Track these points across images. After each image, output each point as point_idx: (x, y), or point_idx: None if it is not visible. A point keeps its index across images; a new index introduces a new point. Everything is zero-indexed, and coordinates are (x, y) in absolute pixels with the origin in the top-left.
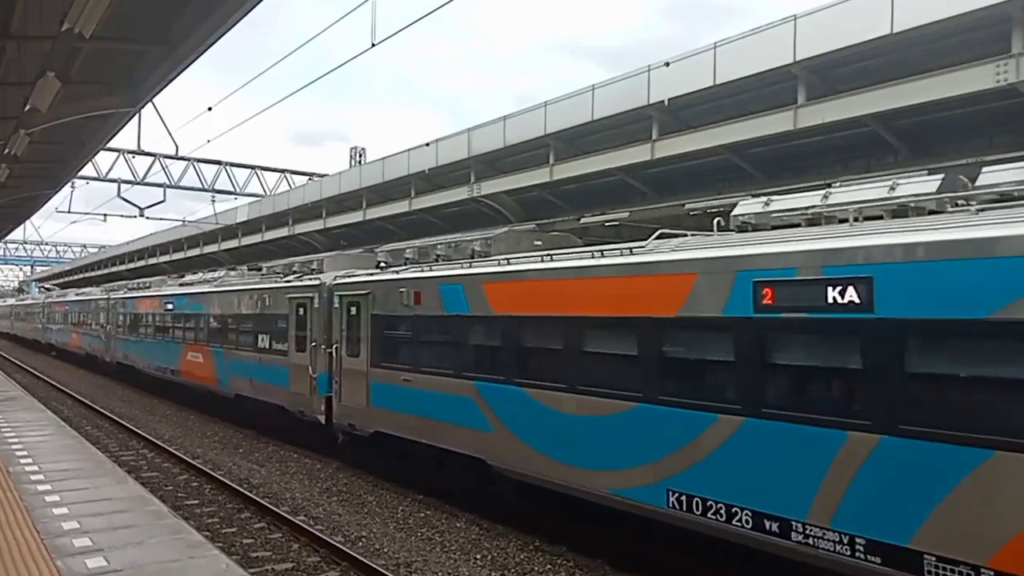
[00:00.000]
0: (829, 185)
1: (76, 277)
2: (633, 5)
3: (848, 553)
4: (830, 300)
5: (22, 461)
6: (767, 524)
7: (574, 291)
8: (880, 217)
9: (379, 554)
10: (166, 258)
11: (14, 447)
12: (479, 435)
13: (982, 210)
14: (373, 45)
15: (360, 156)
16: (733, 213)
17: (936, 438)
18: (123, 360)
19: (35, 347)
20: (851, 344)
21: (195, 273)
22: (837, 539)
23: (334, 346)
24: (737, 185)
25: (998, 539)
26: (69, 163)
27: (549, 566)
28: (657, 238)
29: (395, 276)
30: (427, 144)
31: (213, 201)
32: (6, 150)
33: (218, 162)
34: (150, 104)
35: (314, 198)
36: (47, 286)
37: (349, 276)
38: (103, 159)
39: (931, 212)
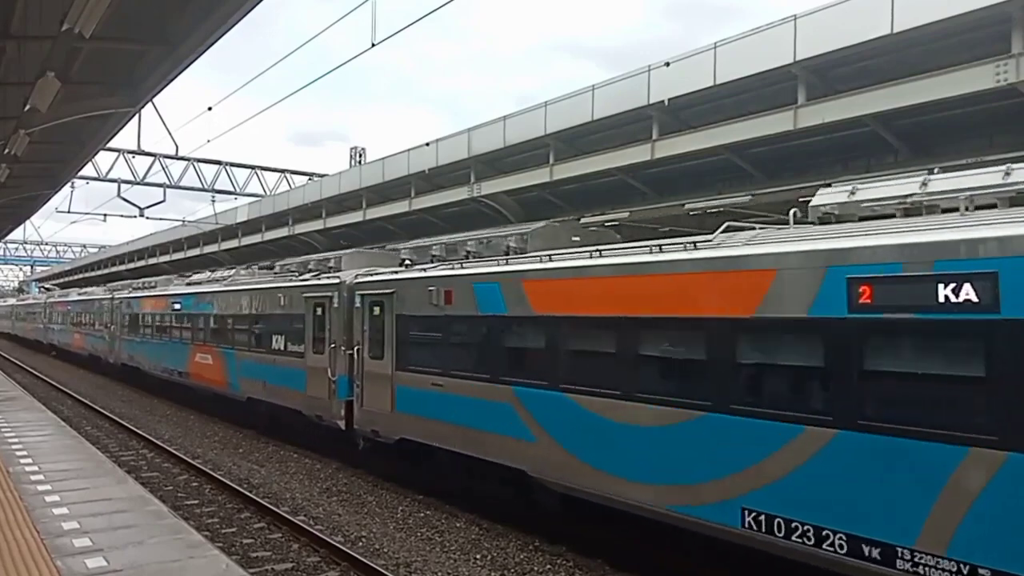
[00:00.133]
0: (931, 171)
1: (76, 277)
2: (633, 5)
3: None
4: (942, 299)
5: (22, 461)
6: (866, 550)
7: (630, 290)
8: (994, 206)
9: (379, 554)
10: (166, 258)
11: (14, 447)
12: (520, 445)
13: None
14: (373, 45)
15: (360, 156)
16: (812, 203)
17: None
18: (128, 361)
19: (35, 347)
20: (969, 349)
21: (202, 272)
22: (954, 569)
23: (355, 348)
24: (737, 185)
25: None
26: (69, 163)
27: (549, 566)
28: (724, 231)
29: (422, 274)
30: (427, 144)
31: (213, 201)
32: (6, 150)
33: (218, 162)
34: (150, 104)
35: (314, 198)
36: (47, 286)
37: (371, 274)
38: (103, 159)
39: None
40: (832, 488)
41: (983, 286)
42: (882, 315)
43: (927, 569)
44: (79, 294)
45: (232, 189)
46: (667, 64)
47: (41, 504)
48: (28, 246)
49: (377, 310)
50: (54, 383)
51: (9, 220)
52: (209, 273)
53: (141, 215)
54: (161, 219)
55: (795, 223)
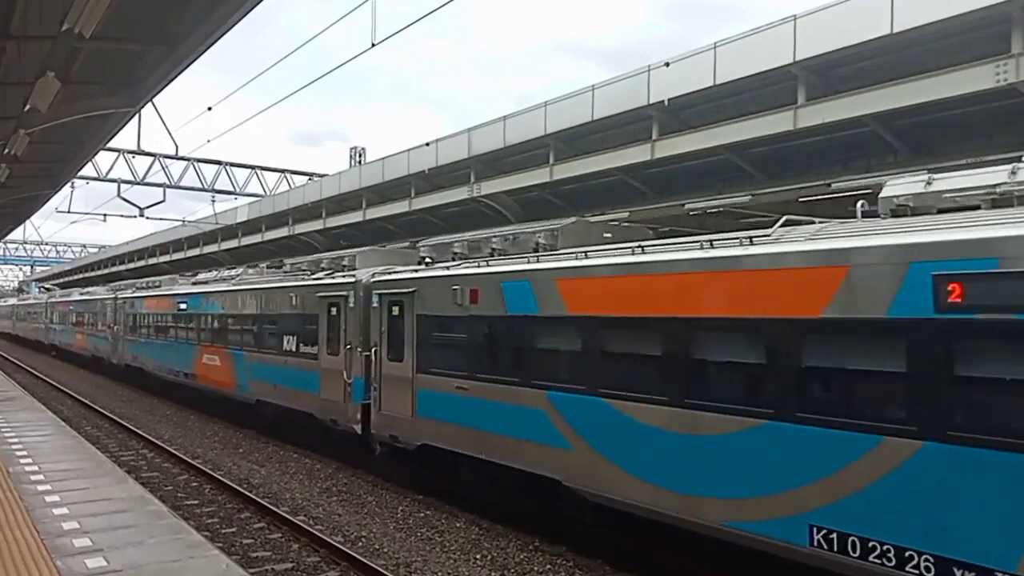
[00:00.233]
0: (1021, 159)
1: (76, 277)
2: (633, 5)
3: None
4: None
5: (22, 461)
6: (958, 574)
7: (679, 288)
8: None
9: (379, 554)
10: (166, 258)
11: (14, 447)
12: (553, 453)
13: None
14: (373, 45)
15: (360, 156)
16: (883, 195)
17: None
18: (132, 362)
19: (35, 347)
20: None
21: (208, 271)
22: None
23: (372, 349)
24: (737, 185)
25: None
26: (69, 163)
27: (549, 566)
28: (783, 225)
29: (446, 272)
30: (427, 144)
31: (213, 201)
32: (6, 150)
33: (218, 162)
34: (150, 104)
35: (314, 198)
36: (47, 286)
37: (390, 273)
38: (103, 159)
39: None
40: (917, 504)
41: None
42: (975, 315)
43: None
44: (81, 294)
45: (232, 189)
46: (667, 64)
47: (41, 504)
48: (28, 246)
49: (396, 310)
50: (54, 383)
51: (9, 220)
52: (216, 272)
53: (141, 215)
54: (161, 219)
55: (863, 216)
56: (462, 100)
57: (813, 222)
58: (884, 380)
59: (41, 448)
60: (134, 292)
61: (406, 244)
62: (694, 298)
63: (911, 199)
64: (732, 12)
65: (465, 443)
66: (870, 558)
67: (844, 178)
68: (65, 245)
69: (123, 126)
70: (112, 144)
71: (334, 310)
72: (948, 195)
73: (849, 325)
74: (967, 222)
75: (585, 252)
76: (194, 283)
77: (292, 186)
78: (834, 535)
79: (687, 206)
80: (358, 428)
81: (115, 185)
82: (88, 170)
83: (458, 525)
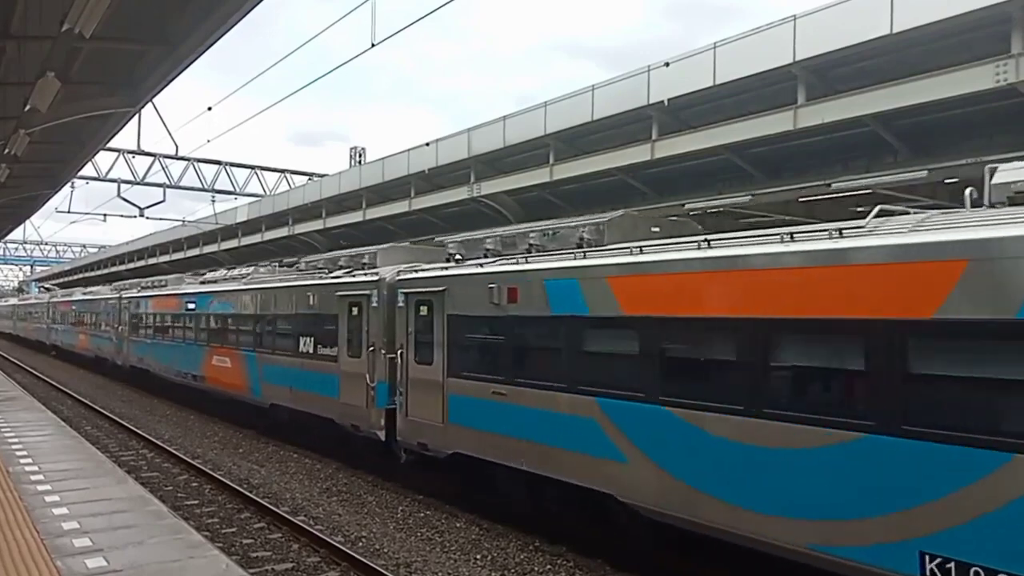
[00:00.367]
0: None
1: (76, 277)
2: (633, 5)
3: None
4: None
5: (22, 461)
6: None
7: (757, 286)
8: None
9: (379, 554)
10: (166, 258)
11: (14, 447)
12: (605, 465)
13: None
14: (373, 45)
15: (360, 156)
16: (996, 181)
17: None
18: (137, 363)
19: (35, 347)
20: None
21: (217, 270)
22: None
23: (398, 351)
24: (737, 185)
25: None
26: (69, 163)
27: (549, 566)
28: (877, 215)
29: (480, 270)
30: (427, 144)
31: (213, 201)
32: (6, 150)
33: (218, 162)
34: (150, 104)
35: (314, 198)
36: (47, 286)
37: (416, 270)
38: (103, 159)
39: None
40: None
41: None
42: None
43: None
44: (84, 293)
45: (232, 189)
46: (667, 64)
47: (41, 504)
48: (28, 246)
49: (424, 310)
50: (54, 383)
51: (9, 220)
52: (225, 271)
53: (141, 215)
54: (161, 219)
55: (971, 205)
56: (462, 100)
57: (909, 212)
58: (1014, 391)
59: (41, 448)
60: (139, 292)
61: (430, 240)
62: (773, 297)
63: None
64: (732, 12)
65: (503, 453)
66: None
67: (844, 178)
68: (65, 245)
69: (123, 126)
70: (112, 144)
71: (355, 310)
72: None
73: (969, 327)
74: None
75: (640, 247)
76: (202, 282)
77: (292, 186)
78: (951, 564)
79: (687, 206)
80: (382, 435)
81: (115, 185)
82: (88, 170)
83: (458, 525)
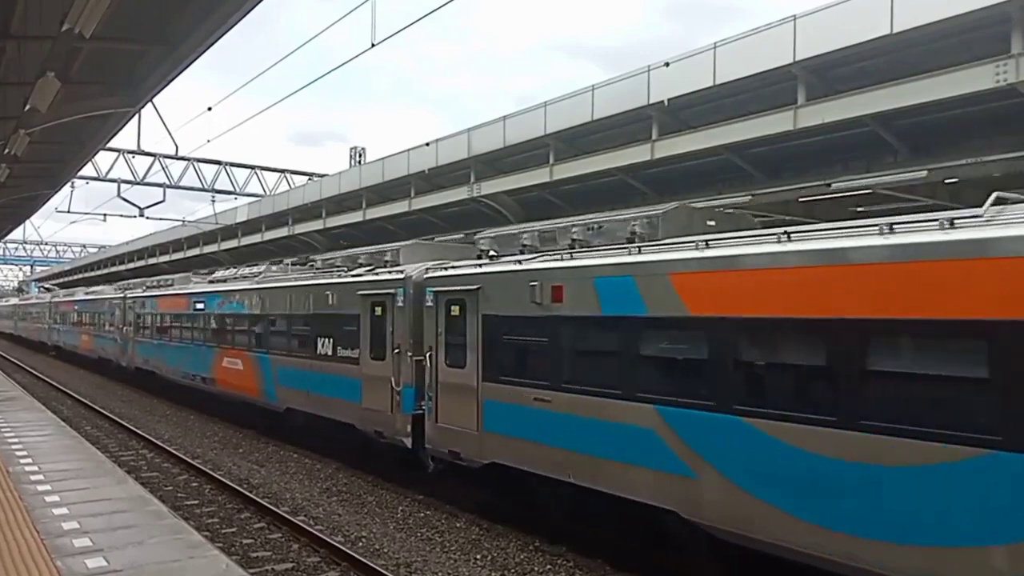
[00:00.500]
0: None
1: (76, 277)
2: (633, 5)
3: None
4: None
5: (22, 461)
6: None
7: (852, 283)
8: None
9: (379, 554)
10: (166, 258)
11: (14, 447)
12: (667, 480)
13: None
14: (373, 45)
15: (360, 156)
16: None
17: None
18: (143, 365)
19: (35, 347)
20: None
21: (225, 269)
22: None
23: (426, 353)
24: (737, 185)
25: None
26: (69, 163)
27: (549, 566)
28: (995, 203)
29: (519, 267)
30: (427, 144)
31: (213, 201)
32: (6, 150)
33: (218, 162)
34: (150, 104)
35: (314, 198)
36: (47, 286)
37: (446, 268)
38: (103, 159)
39: None
40: None
41: None
42: None
43: None
44: (86, 293)
45: (232, 189)
46: (667, 64)
47: (41, 504)
48: (28, 246)
49: (456, 309)
50: (54, 383)
51: (9, 220)
52: (234, 270)
53: (141, 215)
54: (161, 219)
55: None
56: (462, 100)
57: None
58: None
59: (41, 448)
60: (144, 291)
61: (459, 236)
62: (875, 296)
63: None
64: (732, 12)
65: (546, 464)
66: None
67: (844, 178)
68: (65, 245)
69: (123, 126)
70: (112, 144)
71: (379, 310)
72: None
73: None
74: None
75: (706, 242)
76: (211, 281)
77: (292, 186)
78: None
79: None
80: (408, 442)
81: (115, 185)
82: (88, 170)
83: (458, 525)
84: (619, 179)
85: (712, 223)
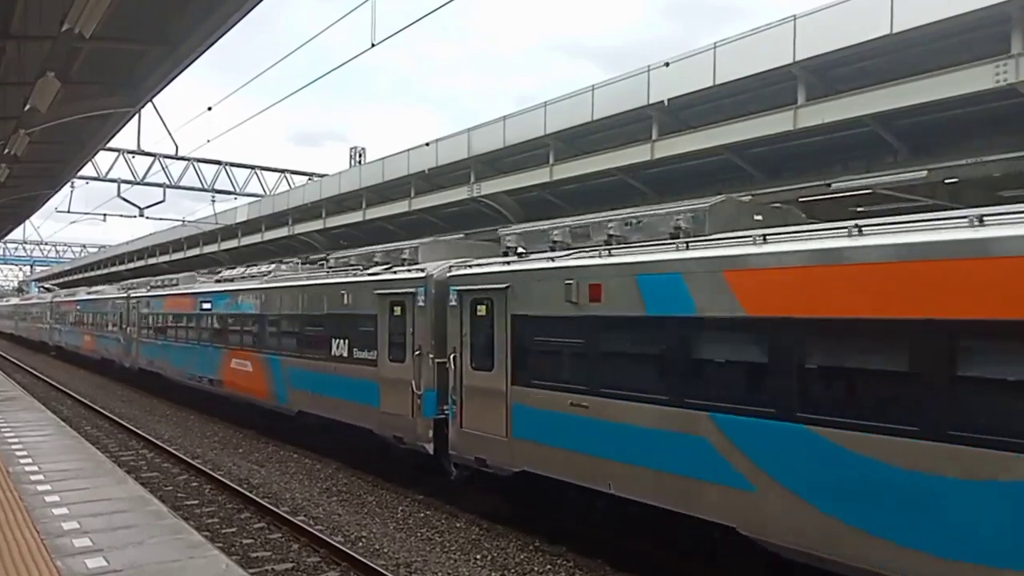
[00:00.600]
0: None
1: (76, 277)
2: (633, 5)
3: None
4: None
5: (22, 461)
6: None
7: (938, 281)
8: None
9: (379, 554)
10: (166, 258)
11: (14, 447)
12: (722, 493)
13: None
14: (373, 45)
15: (360, 156)
16: None
17: None
18: (147, 366)
19: (36, 347)
20: None
21: (234, 268)
22: None
23: (450, 355)
24: (737, 185)
25: None
26: (69, 163)
27: (549, 566)
28: None
29: (552, 264)
30: (427, 144)
31: (213, 201)
32: (6, 150)
33: (218, 162)
34: (150, 104)
35: (314, 198)
36: (47, 286)
37: (471, 265)
38: (103, 159)
39: None
40: None
41: None
42: None
43: None
44: (89, 293)
45: (232, 189)
46: (667, 64)
47: (41, 504)
48: (28, 246)
49: (482, 309)
50: (54, 383)
51: (9, 220)
52: (242, 269)
53: (141, 215)
54: (161, 219)
55: None
56: (462, 100)
57: None
58: None
59: (41, 448)
60: (149, 291)
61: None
62: (964, 295)
63: None
64: (732, 12)
65: (584, 474)
66: None
67: (844, 178)
68: (65, 245)
69: (123, 126)
70: (112, 144)
71: (398, 309)
72: None
73: None
74: None
75: (763, 236)
76: (218, 280)
77: (292, 186)
78: None
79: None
80: (430, 447)
81: (115, 185)
82: (88, 170)
83: (458, 525)
84: (619, 179)
85: (759, 217)
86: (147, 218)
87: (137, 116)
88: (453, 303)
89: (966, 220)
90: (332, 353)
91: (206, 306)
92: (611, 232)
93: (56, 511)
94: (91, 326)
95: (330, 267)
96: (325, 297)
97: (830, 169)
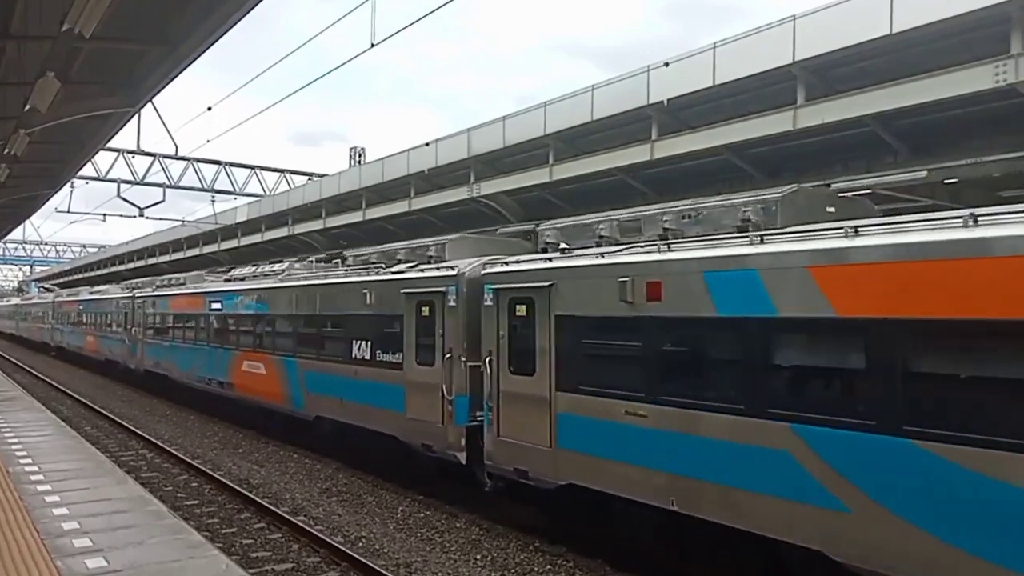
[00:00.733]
0: None
1: (76, 277)
2: (633, 5)
3: None
4: None
5: (22, 461)
6: None
7: None
8: None
9: (379, 554)
10: (165, 258)
11: (14, 447)
12: (808, 513)
13: None
14: (373, 45)
15: (360, 156)
16: None
17: None
18: (153, 368)
19: (36, 347)
20: None
21: (245, 267)
22: None
23: (485, 359)
24: (737, 185)
25: None
26: (69, 163)
27: (549, 566)
28: None
29: (602, 261)
30: (427, 144)
31: (213, 201)
32: (6, 150)
33: (218, 162)
34: (150, 104)
35: (314, 198)
36: (47, 286)
37: (508, 263)
38: (103, 159)
39: None
40: None
41: None
42: None
43: None
44: (91, 293)
45: (232, 189)
46: (667, 64)
47: (41, 504)
48: (28, 246)
49: (522, 309)
50: (54, 383)
51: (9, 220)
52: (253, 267)
53: (141, 215)
54: (161, 219)
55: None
56: (462, 100)
57: None
58: None
59: (41, 448)
60: (155, 291)
61: (513, 230)
62: None
63: None
64: (732, 12)
65: (643, 488)
66: None
67: (844, 178)
68: (65, 245)
69: (123, 126)
70: (112, 144)
71: (426, 310)
72: None
73: None
74: None
75: (855, 228)
76: (228, 279)
77: (292, 186)
78: None
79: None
80: (462, 456)
81: (115, 185)
82: (88, 170)
83: (458, 525)
84: (619, 179)
85: (832, 209)
86: (147, 218)
87: (137, 116)
88: (488, 303)
89: None
90: (353, 355)
91: (216, 306)
92: (666, 226)
93: (56, 511)
94: (95, 327)
95: (348, 265)
96: (345, 296)
97: (830, 169)
